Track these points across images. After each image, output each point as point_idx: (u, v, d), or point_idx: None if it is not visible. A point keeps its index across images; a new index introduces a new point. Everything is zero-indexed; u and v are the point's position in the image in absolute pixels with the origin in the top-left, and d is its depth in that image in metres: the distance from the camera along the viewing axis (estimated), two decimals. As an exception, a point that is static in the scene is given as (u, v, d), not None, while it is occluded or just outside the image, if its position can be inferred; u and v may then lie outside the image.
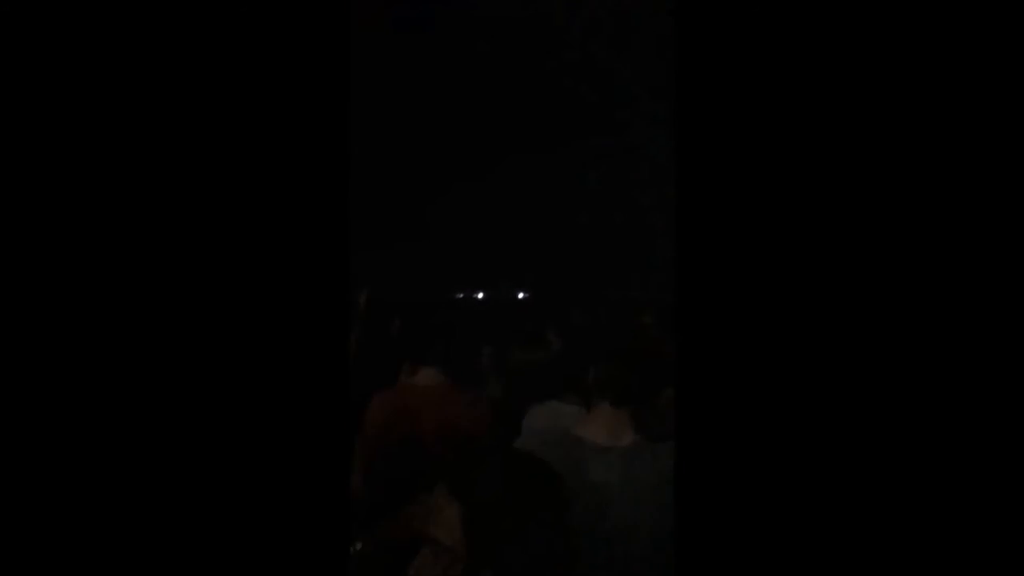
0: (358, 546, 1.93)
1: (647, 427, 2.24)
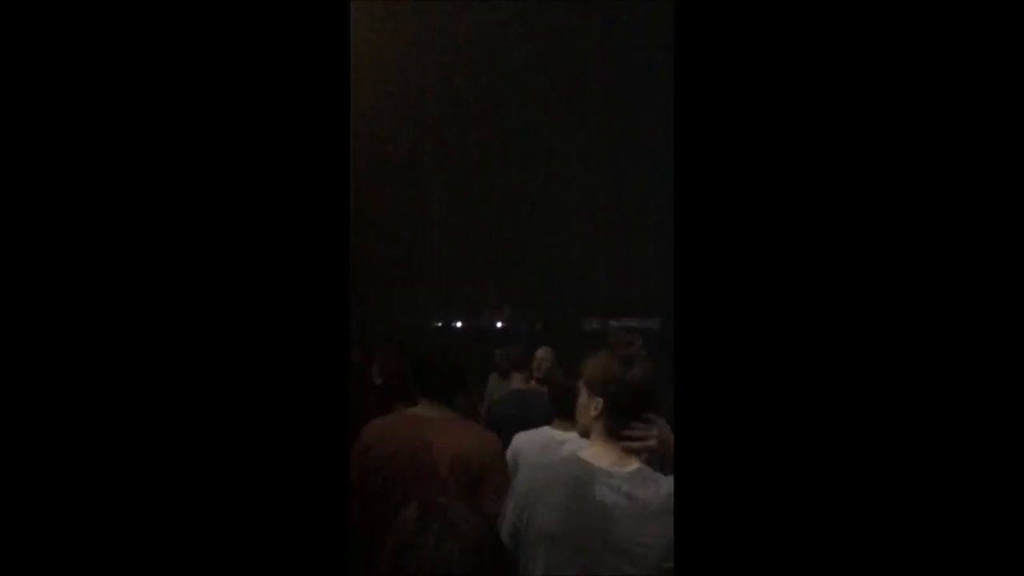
0: None
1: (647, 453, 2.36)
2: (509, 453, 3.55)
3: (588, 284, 11.26)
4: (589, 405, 2.38)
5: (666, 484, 2.20)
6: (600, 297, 11.03)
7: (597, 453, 2.32)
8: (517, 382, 5.37)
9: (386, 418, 3.25)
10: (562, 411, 3.88)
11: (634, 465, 2.27)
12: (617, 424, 2.32)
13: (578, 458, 2.33)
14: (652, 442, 2.33)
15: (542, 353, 5.56)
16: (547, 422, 3.93)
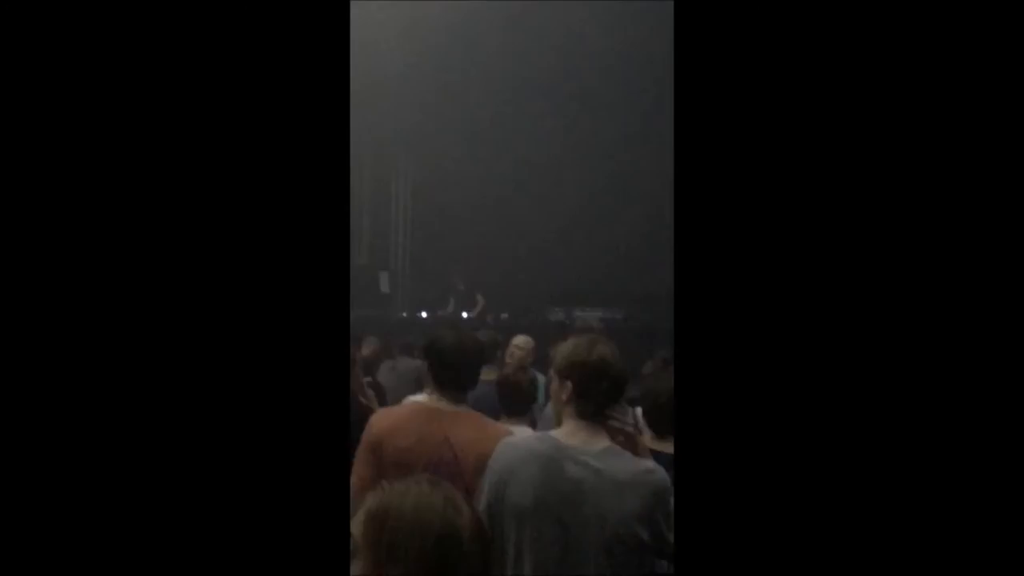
0: None
1: (613, 433, 2.56)
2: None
3: (551, 275, 11.23)
4: (560, 390, 2.51)
5: (632, 461, 2.42)
6: (563, 288, 11.00)
7: (568, 432, 2.47)
8: (485, 374, 5.22)
9: (395, 409, 3.11)
10: (510, 407, 3.90)
11: (603, 444, 2.44)
12: (587, 405, 2.47)
13: (551, 437, 2.50)
14: (629, 428, 2.61)
15: (519, 341, 5.32)
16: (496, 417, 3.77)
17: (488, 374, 4.95)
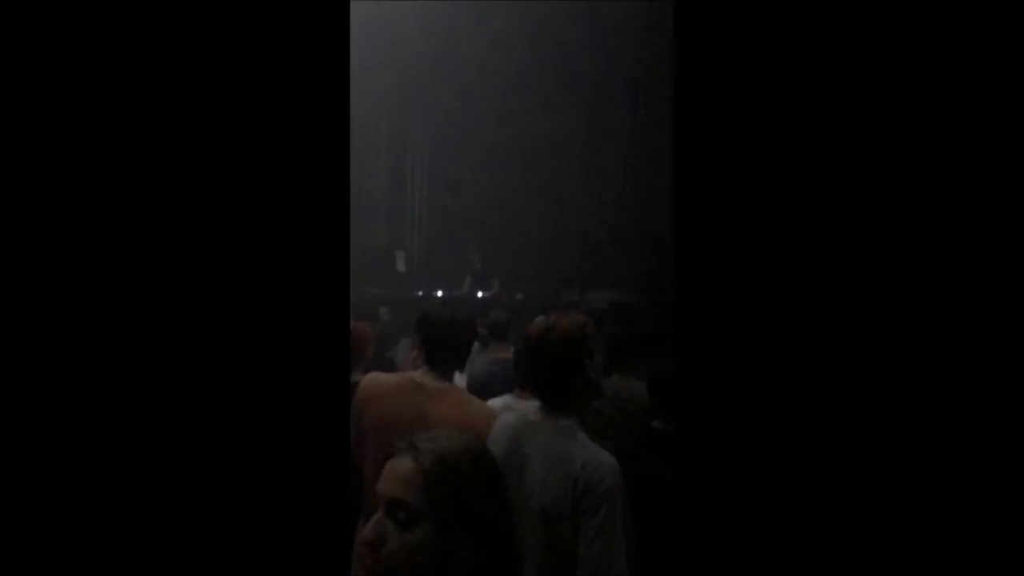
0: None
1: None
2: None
3: (563, 256, 11.22)
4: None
5: (577, 443, 2.42)
6: (579, 269, 11.00)
7: (535, 407, 2.60)
8: (496, 351, 5.08)
9: (383, 378, 3.14)
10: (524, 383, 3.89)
11: (565, 422, 2.50)
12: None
13: (520, 412, 2.68)
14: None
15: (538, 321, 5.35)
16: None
17: (502, 352, 5.00)
